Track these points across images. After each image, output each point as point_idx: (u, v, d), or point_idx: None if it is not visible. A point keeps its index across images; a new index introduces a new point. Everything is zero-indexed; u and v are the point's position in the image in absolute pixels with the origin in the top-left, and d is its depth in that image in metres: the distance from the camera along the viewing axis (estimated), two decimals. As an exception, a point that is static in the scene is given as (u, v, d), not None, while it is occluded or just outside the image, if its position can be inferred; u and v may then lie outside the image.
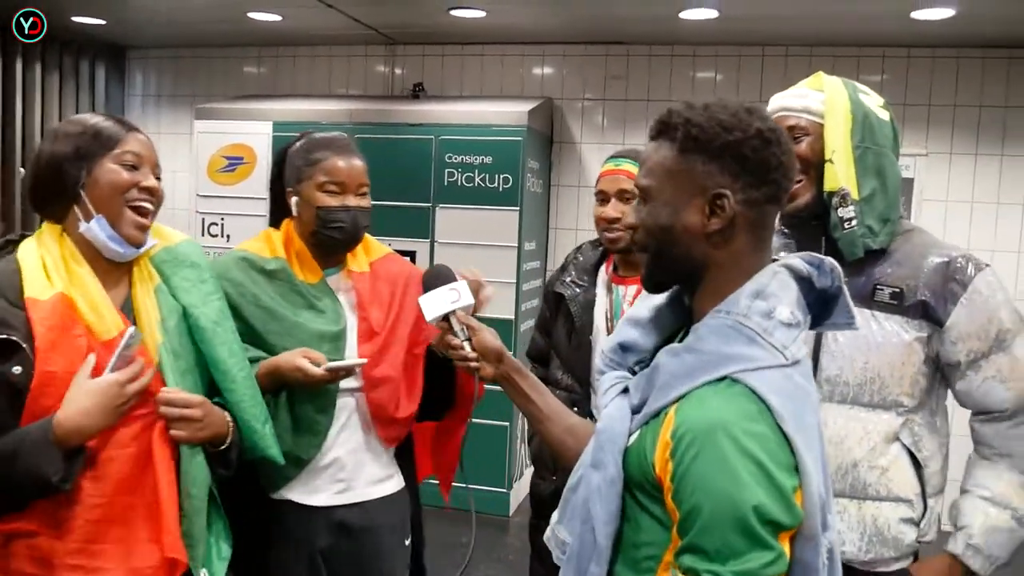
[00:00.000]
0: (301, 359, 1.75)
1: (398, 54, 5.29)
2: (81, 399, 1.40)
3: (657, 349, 1.25)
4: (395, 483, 1.98)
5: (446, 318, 1.55)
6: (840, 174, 1.69)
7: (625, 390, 1.22)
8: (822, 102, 1.74)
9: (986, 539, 1.70)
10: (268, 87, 5.54)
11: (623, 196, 2.20)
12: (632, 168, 2.20)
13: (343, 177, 1.88)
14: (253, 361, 1.78)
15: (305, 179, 1.89)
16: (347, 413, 1.89)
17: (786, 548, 1.03)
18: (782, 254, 1.75)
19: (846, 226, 1.69)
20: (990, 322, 1.69)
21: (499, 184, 4.46)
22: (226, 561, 1.63)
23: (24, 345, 1.42)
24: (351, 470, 1.90)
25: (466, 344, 1.53)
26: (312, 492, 1.88)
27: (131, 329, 1.47)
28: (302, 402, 1.83)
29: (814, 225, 1.77)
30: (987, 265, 1.72)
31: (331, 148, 1.90)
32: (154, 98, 5.81)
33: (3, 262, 1.53)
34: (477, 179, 4.45)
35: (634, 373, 1.27)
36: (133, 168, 1.55)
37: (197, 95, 5.61)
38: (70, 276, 1.49)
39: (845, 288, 1.20)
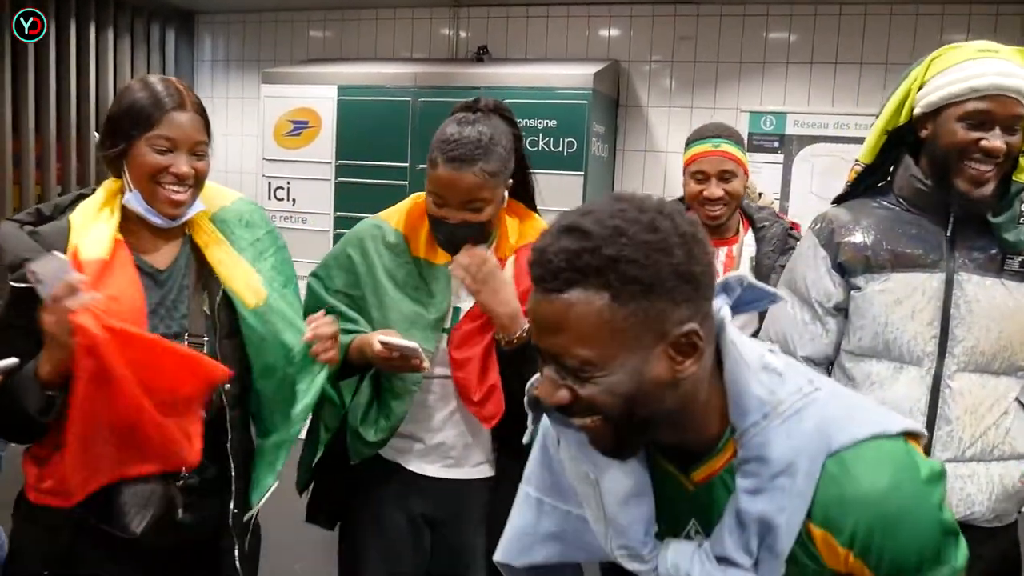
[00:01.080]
0: (375, 335, 1.73)
1: (462, 16, 5.24)
2: (54, 331, 1.41)
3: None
4: (489, 468, 1.92)
5: None
6: None
7: (722, 560, 1.02)
8: None
9: None
10: (333, 51, 5.54)
11: (723, 176, 2.36)
12: (731, 149, 2.38)
13: (443, 191, 1.74)
14: (351, 333, 1.79)
15: (427, 173, 1.78)
16: (450, 396, 1.87)
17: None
18: (889, 231, 1.76)
19: (1023, 220, 1.69)
20: None
21: (563, 148, 4.40)
22: (264, 492, 1.72)
23: None
24: (460, 451, 1.89)
25: None
26: (422, 462, 1.90)
27: (57, 257, 1.44)
28: (384, 387, 1.83)
29: (941, 204, 1.74)
30: None
31: (443, 152, 1.73)
32: (223, 63, 5.87)
33: (64, 216, 1.58)
34: (541, 143, 4.40)
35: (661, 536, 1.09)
36: (166, 151, 1.55)
37: (264, 59, 5.66)
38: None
39: (746, 277, 1.06)
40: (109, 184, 1.62)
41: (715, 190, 2.34)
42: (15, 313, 1.50)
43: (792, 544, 0.98)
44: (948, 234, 1.73)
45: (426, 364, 1.73)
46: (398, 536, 1.91)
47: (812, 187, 4.57)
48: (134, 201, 1.56)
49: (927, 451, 1.71)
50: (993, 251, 1.71)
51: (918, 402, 1.73)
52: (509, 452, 1.90)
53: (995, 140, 1.63)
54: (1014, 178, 1.68)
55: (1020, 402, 1.74)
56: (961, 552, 1.00)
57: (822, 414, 0.98)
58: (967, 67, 1.66)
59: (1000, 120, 1.64)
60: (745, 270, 2.42)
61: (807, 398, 0.99)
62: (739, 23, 4.76)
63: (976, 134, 1.64)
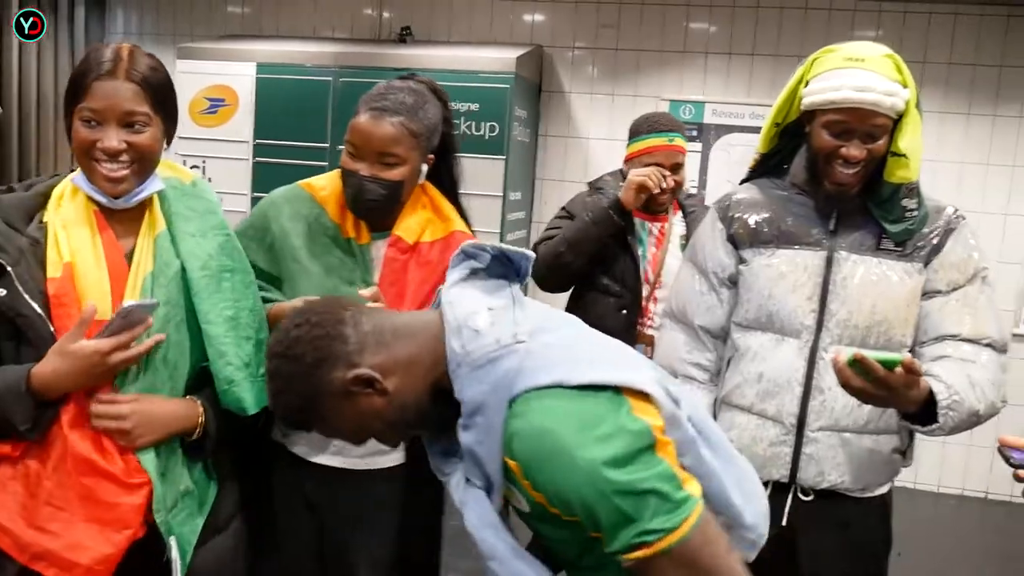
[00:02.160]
0: (290, 307, 1.68)
1: (386, -3, 5.18)
2: (58, 359, 1.36)
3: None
4: (395, 458, 1.88)
5: None
6: (913, 168, 1.75)
7: (468, 480, 1.24)
8: (905, 100, 1.72)
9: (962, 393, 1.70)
10: (252, 27, 5.41)
11: (676, 169, 2.55)
12: (682, 142, 2.60)
13: (359, 140, 1.72)
14: (267, 301, 1.73)
15: (347, 129, 1.76)
16: None
17: (668, 457, 1.10)
18: (778, 212, 1.86)
19: (907, 215, 1.79)
20: (970, 258, 1.81)
21: (485, 132, 4.40)
22: (199, 523, 1.55)
23: (10, 269, 1.38)
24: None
25: None
26: (310, 448, 1.84)
27: (150, 300, 1.42)
28: None
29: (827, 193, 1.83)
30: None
31: (368, 103, 1.72)
32: (136, 36, 5.67)
33: (33, 190, 1.51)
34: (463, 127, 4.39)
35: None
36: (94, 124, 1.43)
37: (179, 34, 5.49)
38: (73, 242, 1.44)
39: (498, 245, 1.28)
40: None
41: (668, 181, 2.51)
42: None
43: (500, 471, 1.15)
44: (833, 223, 1.84)
45: None
46: (288, 518, 1.87)
47: (729, 175, 4.68)
48: (80, 180, 1.47)
49: (801, 419, 1.81)
50: (872, 232, 1.82)
51: (796, 372, 1.82)
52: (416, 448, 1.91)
53: (853, 149, 1.74)
54: (886, 179, 1.77)
55: None
56: (665, 518, 1.06)
57: (515, 364, 1.13)
58: (831, 77, 1.75)
59: (858, 130, 1.74)
60: (675, 248, 2.59)
61: (504, 349, 1.14)
62: (660, 12, 4.83)
63: (837, 142, 1.76)
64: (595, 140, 4.95)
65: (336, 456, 1.84)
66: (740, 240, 1.92)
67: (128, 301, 1.39)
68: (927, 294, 1.82)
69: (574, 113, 5.00)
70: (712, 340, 1.98)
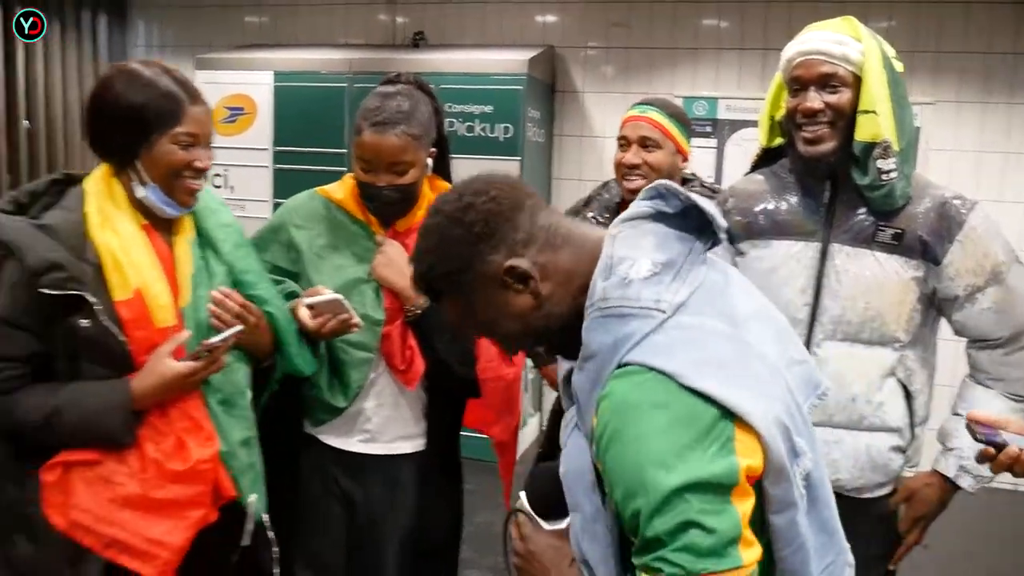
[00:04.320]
0: (300, 307, 1.78)
1: (399, 2, 5.24)
2: (154, 378, 1.52)
3: None
4: (417, 444, 1.98)
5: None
6: (883, 125, 1.70)
7: (576, 425, 1.16)
8: (861, 52, 1.72)
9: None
10: (269, 37, 5.50)
11: (644, 143, 2.28)
12: (657, 116, 2.31)
13: (369, 155, 1.81)
14: (289, 296, 1.85)
15: (352, 144, 1.85)
16: (382, 367, 1.92)
17: (737, 506, 0.94)
18: (772, 201, 1.85)
19: (885, 178, 1.72)
20: (985, 257, 1.75)
21: (499, 134, 4.44)
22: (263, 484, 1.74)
23: (92, 299, 1.50)
24: (377, 423, 1.94)
25: None
26: (340, 436, 1.94)
27: (231, 331, 1.58)
28: (342, 353, 1.88)
29: (822, 170, 1.79)
30: (976, 202, 1.79)
31: (368, 119, 1.81)
32: (157, 49, 5.78)
33: (61, 211, 1.58)
34: (477, 129, 4.44)
35: None
36: (190, 146, 1.58)
37: (198, 45, 5.57)
38: (135, 262, 1.56)
39: (704, 204, 1.10)
40: (103, 173, 1.61)
41: (632, 157, 2.28)
42: (30, 320, 1.51)
43: (591, 425, 1.05)
44: (826, 199, 1.80)
45: (356, 320, 1.79)
46: (317, 509, 1.96)
47: (745, 170, 4.67)
48: (152, 196, 1.58)
49: None
50: (867, 222, 1.77)
51: None
52: (438, 431, 1.99)
53: (807, 102, 1.73)
54: (856, 138, 1.72)
55: (897, 378, 1.79)
56: (692, 557, 0.92)
57: (642, 329, 1.01)
58: (788, 48, 1.80)
59: (810, 81, 1.74)
60: None
61: (640, 311, 1.02)
62: (671, 9, 4.86)
63: (796, 100, 1.76)
64: (610, 139, 4.95)
65: (366, 443, 1.94)
66: (735, 233, 1.90)
67: (213, 339, 1.56)
68: (947, 300, 1.78)
69: (588, 112, 5.03)
70: None
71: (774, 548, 1.04)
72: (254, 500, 1.68)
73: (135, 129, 1.55)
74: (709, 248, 1.12)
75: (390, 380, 1.92)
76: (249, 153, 4.85)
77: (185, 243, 1.66)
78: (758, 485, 0.99)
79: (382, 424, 1.94)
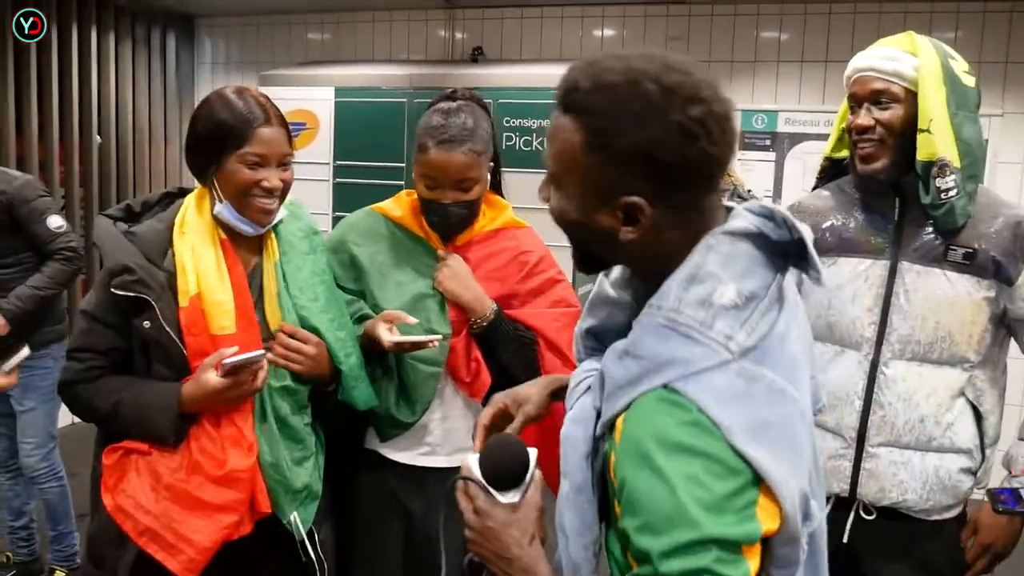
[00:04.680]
0: (380, 325, 1.80)
1: (457, 17, 5.30)
2: (195, 387, 1.59)
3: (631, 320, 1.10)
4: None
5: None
6: (939, 144, 1.68)
7: (587, 390, 1.10)
8: (915, 68, 1.70)
9: None
10: (330, 53, 5.61)
11: None
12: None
13: (436, 173, 1.82)
14: (360, 320, 1.87)
15: (415, 161, 1.86)
16: (446, 379, 1.92)
17: (750, 563, 0.92)
18: (839, 217, 1.83)
19: (943, 196, 1.69)
20: None
21: (557, 148, 4.44)
22: (316, 502, 1.76)
23: (156, 305, 1.59)
24: (439, 435, 1.95)
25: None
26: (402, 450, 1.95)
27: (253, 354, 1.59)
28: (410, 369, 1.88)
29: (888, 187, 1.78)
30: None
31: (433, 137, 1.81)
32: (223, 65, 5.94)
33: (156, 221, 1.69)
34: (536, 143, 4.46)
35: None
36: (257, 166, 1.63)
37: (262, 62, 5.72)
38: (200, 277, 1.63)
39: (808, 240, 1.03)
40: (199, 189, 1.72)
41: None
42: (113, 317, 1.63)
43: (611, 420, 1.01)
44: (895, 218, 1.78)
45: (435, 340, 1.79)
46: (377, 529, 1.96)
47: (804, 184, 4.63)
48: (226, 212, 1.66)
49: (861, 433, 1.78)
50: (937, 240, 1.75)
51: (855, 386, 1.78)
52: None
53: (859, 119, 1.74)
54: (917, 158, 1.71)
55: (967, 398, 1.76)
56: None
57: (703, 364, 0.95)
58: (850, 63, 1.80)
59: (863, 97, 1.75)
60: None
61: (709, 341, 0.96)
62: (730, 23, 4.83)
63: (852, 117, 1.77)
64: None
65: (427, 456, 1.95)
66: None
67: (232, 358, 1.56)
68: (1019, 320, 1.76)
69: (645, 126, 5.00)
70: None
71: None
72: (295, 519, 1.70)
73: (210, 148, 1.64)
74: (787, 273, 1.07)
75: (454, 392, 1.93)
76: (311, 168, 4.94)
77: (270, 264, 1.73)
78: (765, 541, 0.97)
79: (443, 436, 1.95)
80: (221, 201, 1.65)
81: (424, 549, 1.94)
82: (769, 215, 1.04)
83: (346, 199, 4.84)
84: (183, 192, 1.76)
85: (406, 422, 1.89)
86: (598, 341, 1.15)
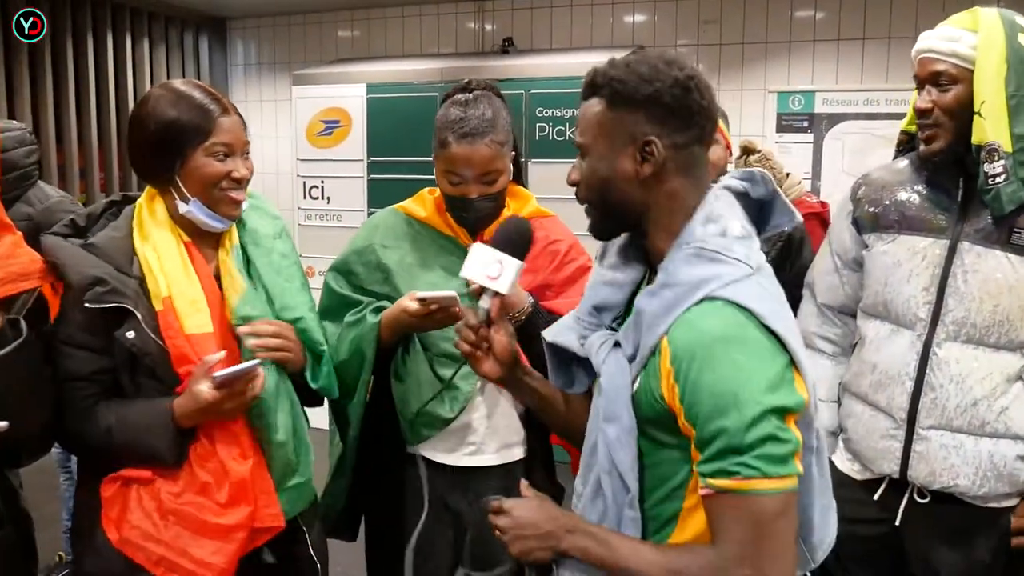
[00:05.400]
0: (406, 299, 1.76)
1: (487, 9, 5.28)
2: (188, 400, 1.51)
3: (628, 302, 1.34)
4: (517, 452, 1.95)
5: (481, 290, 1.44)
6: (989, 127, 1.64)
7: (616, 344, 1.28)
8: (973, 47, 1.66)
9: None
10: (361, 50, 5.62)
11: None
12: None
13: (459, 167, 1.78)
14: (376, 311, 1.83)
15: (436, 157, 1.83)
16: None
17: (795, 430, 1.13)
18: (904, 192, 1.80)
19: (991, 182, 1.66)
20: None
21: (591, 137, 4.41)
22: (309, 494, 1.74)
23: (136, 312, 1.51)
24: (483, 433, 1.91)
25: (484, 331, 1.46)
26: (445, 452, 1.91)
27: (252, 362, 1.54)
28: (446, 367, 1.84)
29: (953, 166, 1.75)
30: None
31: (454, 131, 1.78)
32: (255, 66, 5.98)
33: (111, 230, 1.62)
34: (568, 132, 4.42)
35: (614, 329, 1.35)
36: (225, 156, 1.58)
37: (294, 61, 5.75)
38: (168, 278, 1.57)
39: (779, 191, 1.29)
40: (147, 192, 1.64)
41: None
42: (90, 338, 1.53)
43: (652, 346, 1.19)
44: (959, 198, 1.74)
45: (461, 308, 1.71)
46: (426, 532, 1.92)
47: (844, 166, 4.54)
48: (196, 210, 1.59)
49: (912, 415, 1.74)
50: (1002, 222, 1.70)
51: (907, 366, 1.75)
52: (537, 436, 1.96)
53: (919, 102, 1.73)
54: (972, 140, 1.67)
55: None
56: (767, 463, 1.10)
57: (733, 274, 1.17)
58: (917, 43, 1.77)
59: (924, 80, 1.73)
60: None
61: (733, 259, 1.19)
62: (763, 3, 4.74)
63: (916, 98, 1.75)
64: (702, 137, 4.90)
65: (473, 455, 1.91)
66: (863, 224, 1.87)
67: (224, 371, 1.49)
68: None
69: (680, 111, 4.95)
70: (839, 316, 1.96)
71: None
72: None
73: (170, 146, 1.55)
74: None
75: (493, 389, 1.89)
76: (344, 164, 4.96)
77: (229, 258, 1.65)
78: None
79: (487, 434, 1.91)
80: (187, 201, 1.58)
81: (477, 550, 1.92)
82: (750, 177, 1.29)
83: (381, 195, 4.83)
84: (128, 199, 1.68)
85: (446, 418, 1.86)
86: (599, 317, 1.37)
